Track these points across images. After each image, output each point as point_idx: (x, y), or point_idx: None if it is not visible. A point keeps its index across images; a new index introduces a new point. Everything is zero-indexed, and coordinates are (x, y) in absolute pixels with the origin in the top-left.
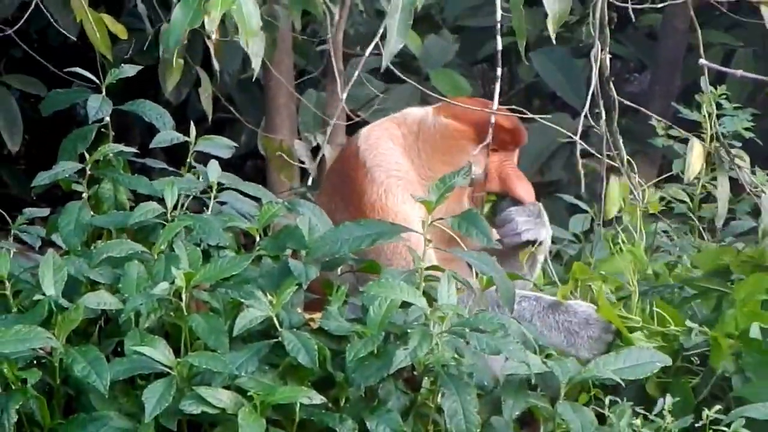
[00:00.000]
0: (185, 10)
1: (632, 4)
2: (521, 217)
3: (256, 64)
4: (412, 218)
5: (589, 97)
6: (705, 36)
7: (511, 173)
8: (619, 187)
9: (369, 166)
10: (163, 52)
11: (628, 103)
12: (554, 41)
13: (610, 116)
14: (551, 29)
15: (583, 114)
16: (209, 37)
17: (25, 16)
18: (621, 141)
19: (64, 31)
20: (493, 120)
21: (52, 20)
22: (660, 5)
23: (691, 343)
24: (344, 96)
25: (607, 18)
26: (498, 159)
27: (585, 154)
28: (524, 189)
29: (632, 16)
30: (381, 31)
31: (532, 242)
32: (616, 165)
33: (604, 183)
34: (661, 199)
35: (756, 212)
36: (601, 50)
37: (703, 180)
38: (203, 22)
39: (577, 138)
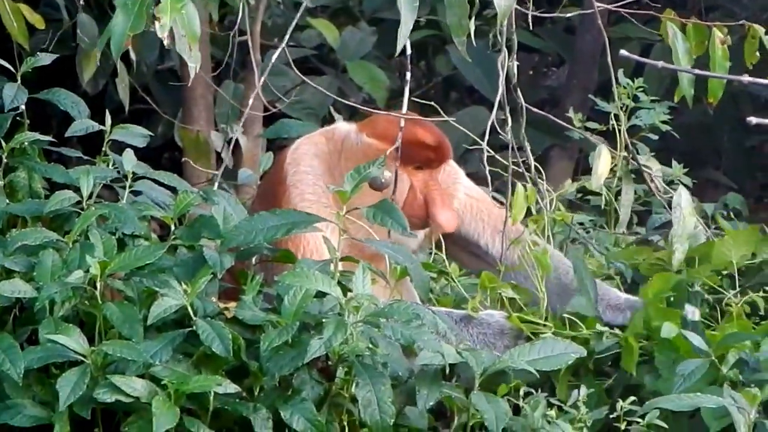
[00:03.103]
0: (126, 15)
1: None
2: None
3: (192, 70)
4: (321, 246)
5: (497, 102)
6: (623, 30)
7: (437, 198)
8: (525, 193)
9: (288, 183)
10: (79, 42)
11: (535, 110)
12: (472, 34)
13: (517, 122)
14: (499, 22)
15: (490, 122)
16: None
17: None
18: (529, 148)
19: None
20: (399, 144)
21: None
22: (569, 15)
23: (603, 346)
24: (259, 87)
25: (514, 26)
26: (422, 177)
27: (501, 148)
28: (446, 217)
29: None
30: (294, 22)
31: None
32: (523, 171)
33: (509, 191)
34: (578, 191)
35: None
36: (508, 55)
37: (619, 173)
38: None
39: (484, 144)
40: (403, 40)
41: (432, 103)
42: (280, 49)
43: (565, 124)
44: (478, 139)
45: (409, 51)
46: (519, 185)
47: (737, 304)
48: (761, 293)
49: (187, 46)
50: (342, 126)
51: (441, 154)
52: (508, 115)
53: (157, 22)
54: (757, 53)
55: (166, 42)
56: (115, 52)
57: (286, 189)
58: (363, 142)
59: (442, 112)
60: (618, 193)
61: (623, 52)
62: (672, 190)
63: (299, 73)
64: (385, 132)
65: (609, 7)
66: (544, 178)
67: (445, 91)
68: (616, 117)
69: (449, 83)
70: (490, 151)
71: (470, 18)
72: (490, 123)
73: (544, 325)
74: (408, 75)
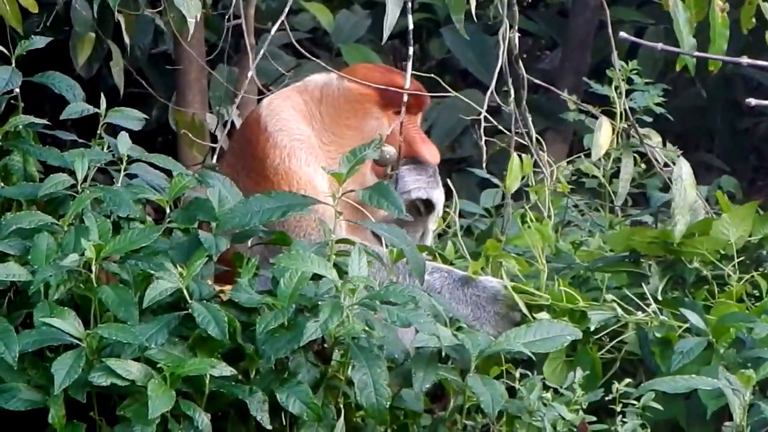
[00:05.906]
0: None
1: None
2: (411, 176)
3: (191, 25)
4: (317, 181)
5: (496, 74)
6: (616, 13)
7: (416, 136)
8: (521, 162)
9: (271, 131)
10: (74, 25)
11: (538, 81)
12: (473, 11)
13: (518, 94)
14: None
15: (489, 92)
16: (120, 11)
17: None
18: (530, 119)
19: None
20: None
21: None
22: None
23: (599, 319)
24: (254, 70)
25: None
26: (402, 122)
27: (496, 131)
28: (429, 151)
29: None
30: (288, 7)
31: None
32: (525, 143)
33: (511, 159)
34: (573, 173)
35: (667, 187)
36: (510, 28)
37: (614, 155)
38: None
39: (483, 111)
40: (389, 30)
41: (432, 75)
42: (274, 30)
43: (565, 96)
44: (480, 110)
45: (411, 26)
46: (515, 155)
47: (738, 282)
48: (760, 272)
49: None
50: (316, 76)
51: (420, 101)
52: (511, 86)
53: None
54: (753, 20)
55: None
56: None
57: (269, 136)
58: (345, 87)
59: (446, 86)
60: (613, 175)
61: (623, 34)
62: (672, 164)
63: (302, 50)
64: (364, 77)
65: None
66: (545, 149)
67: (439, 74)
68: (616, 89)
69: (443, 67)
70: (493, 120)
71: None
72: (489, 92)
73: (541, 297)
74: (410, 50)
